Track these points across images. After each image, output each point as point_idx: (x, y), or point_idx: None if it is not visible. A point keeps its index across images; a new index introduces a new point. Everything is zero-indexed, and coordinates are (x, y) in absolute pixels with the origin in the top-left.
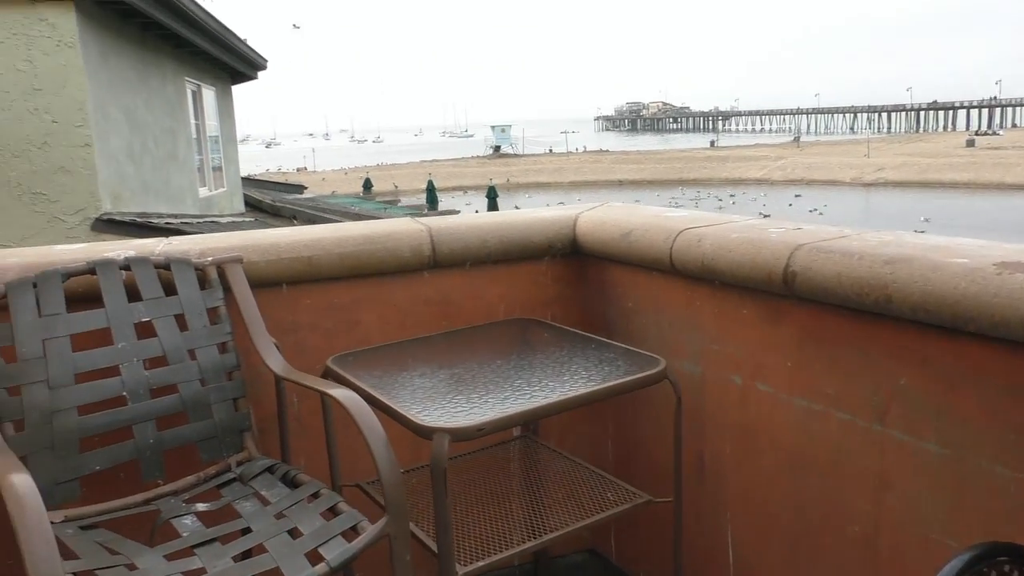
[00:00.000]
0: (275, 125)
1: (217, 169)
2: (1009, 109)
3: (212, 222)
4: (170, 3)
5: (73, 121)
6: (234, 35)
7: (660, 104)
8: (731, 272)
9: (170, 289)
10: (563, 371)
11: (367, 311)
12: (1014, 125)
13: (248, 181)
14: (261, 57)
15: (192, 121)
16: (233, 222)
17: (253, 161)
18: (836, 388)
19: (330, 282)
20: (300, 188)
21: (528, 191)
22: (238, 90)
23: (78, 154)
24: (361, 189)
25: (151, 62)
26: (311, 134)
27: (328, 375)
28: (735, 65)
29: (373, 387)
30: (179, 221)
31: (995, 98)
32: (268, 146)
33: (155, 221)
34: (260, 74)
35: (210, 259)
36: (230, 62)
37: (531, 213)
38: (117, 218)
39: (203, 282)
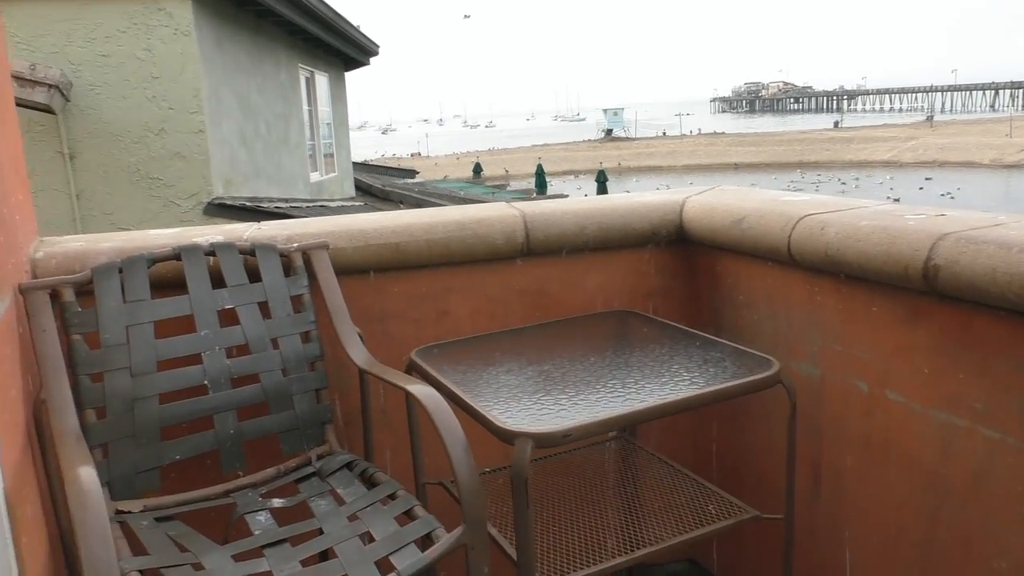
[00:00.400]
0: (391, 111)
1: (329, 154)
2: None
3: (321, 206)
4: None
5: (188, 108)
6: (346, 21)
7: (780, 84)
8: (860, 264)
9: (255, 275)
10: (663, 371)
11: (457, 301)
12: None
13: (362, 166)
14: (373, 43)
15: (305, 107)
16: (343, 206)
17: (370, 146)
18: (984, 401)
19: (419, 270)
20: (412, 173)
21: (639, 175)
22: (353, 76)
23: (192, 140)
24: (471, 174)
25: (265, 49)
26: (425, 120)
27: (412, 368)
28: (862, 41)
29: (456, 383)
30: (288, 205)
31: None
32: (384, 132)
33: (264, 205)
34: (373, 60)
35: (295, 245)
36: (343, 48)
37: (633, 197)
38: (228, 202)
39: (288, 269)
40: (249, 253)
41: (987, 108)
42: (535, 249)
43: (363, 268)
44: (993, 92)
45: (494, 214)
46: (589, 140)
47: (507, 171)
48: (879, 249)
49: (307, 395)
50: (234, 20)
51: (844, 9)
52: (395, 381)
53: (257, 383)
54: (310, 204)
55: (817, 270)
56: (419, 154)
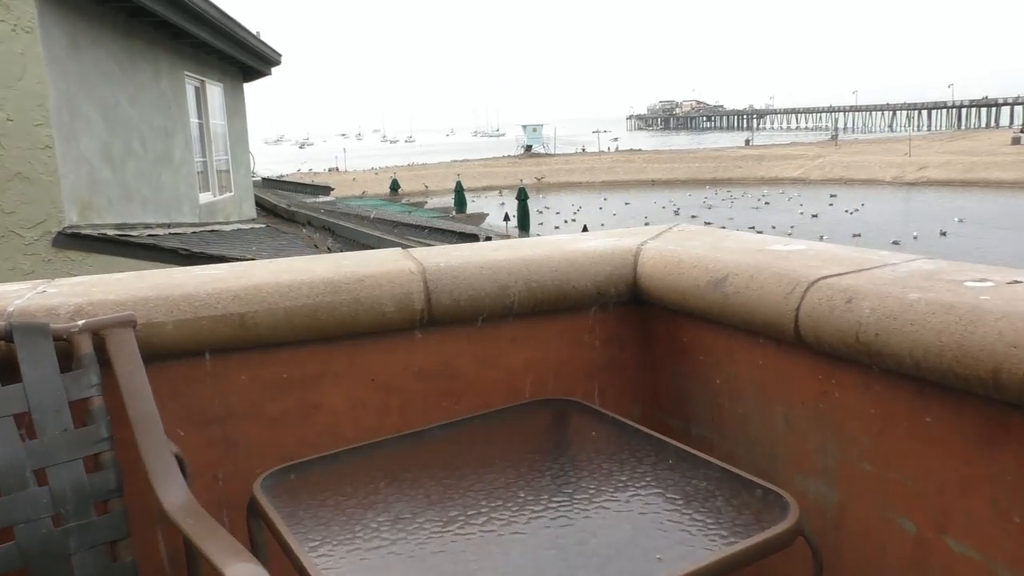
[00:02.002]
0: (308, 125)
1: (223, 172)
2: None
3: (212, 231)
4: None
5: (31, 119)
6: (241, 26)
7: (693, 103)
8: (912, 357)
9: (10, 372)
10: (623, 519)
11: (332, 390)
12: None
13: (274, 182)
14: (274, 52)
15: (193, 120)
16: (239, 230)
17: (287, 161)
18: None
19: (276, 349)
20: (327, 189)
21: (560, 191)
22: (269, 89)
23: (37, 157)
24: (389, 190)
25: (140, 53)
26: (343, 134)
27: (253, 509)
28: (769, 63)
29: (316, 547)
30: (167, 232)
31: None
32: (302, 146)
33: (133, 235)
34: (286, 70)
35: (82, 323)
36: (239, 56)
37: (572, 244)
38: (85, 231)
39: (69, 358)
40: (5, 337)
41: (886, 128)
42: (440, 317)
43: (193, 349)
44: (891, 113)
45: (382, 270)
46: (509, 156)
47: (427, 187)
48: (949, 341)
49: (94, 553)
50: (96, 18)
51: (753, 31)
52: (212, 556)
53: (9, 540)
54: (198, 229)
55: (839, 358)
56: (337, 169)
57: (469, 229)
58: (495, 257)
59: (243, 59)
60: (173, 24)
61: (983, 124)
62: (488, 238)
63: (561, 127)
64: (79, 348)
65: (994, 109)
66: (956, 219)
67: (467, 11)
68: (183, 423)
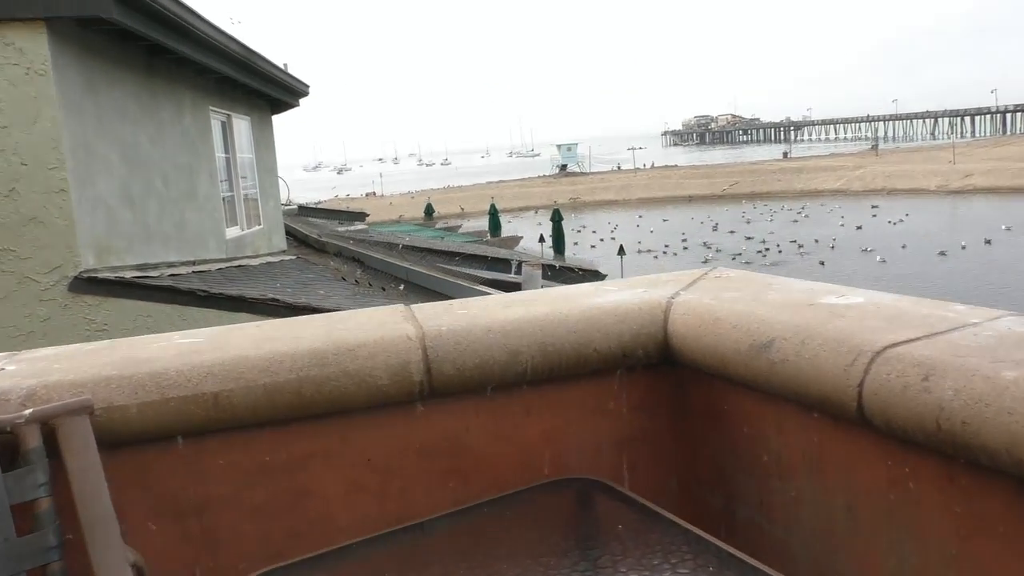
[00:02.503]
0: (346, 151)
1: (252, 205)
2: None
3: (239, 267)
4: (171, 22)
5: (46, 162)
6: (265, 60)
7: (729, 116)
8: (1012, 455)
9: None
10: None
11: (323, 473)
12: None
13: (308, 210)
14: (301, 84)
15: (219, 155)
16: (268, 263)
17: (325, 187)
18: None
19: (257, 430)
20: (362, 216)
21: (596, 209)
22: (307, 117)
23: (52, 201)
24: (432, 212)
25: (162, 90)
26: (380, 159)
27: None
28: (806, 74)
29: None
30: (190, 271)
31: None
32: (339, 172)
33: (152, 276)
34: (324, 98)
35: (28, 413)
36: (264, 90)
37: (592, 297)
38: (102, 275)
39: (14, 454)
40: None
41: (927, 136)
42: (443, 388)
43: (163, 434)
44: (932, 120)
45: (376, 336)
46: (544, 176)
47: (462, 209)
48: None
49: None
50: (114, 57)
51: (789, 42)
52: None
53: None
54: (224, 265)
55: (914, 443)
56: (374, 194)
57: (503, 254)
58: (505, 317)
59: (269, 92)
60: (193, 60)
61: None
62: (520, 263)
63: (596, 144)
64: (26, 442)
65: None
66: (1003, 227)
67: (500, 31)
68: (155, 516)
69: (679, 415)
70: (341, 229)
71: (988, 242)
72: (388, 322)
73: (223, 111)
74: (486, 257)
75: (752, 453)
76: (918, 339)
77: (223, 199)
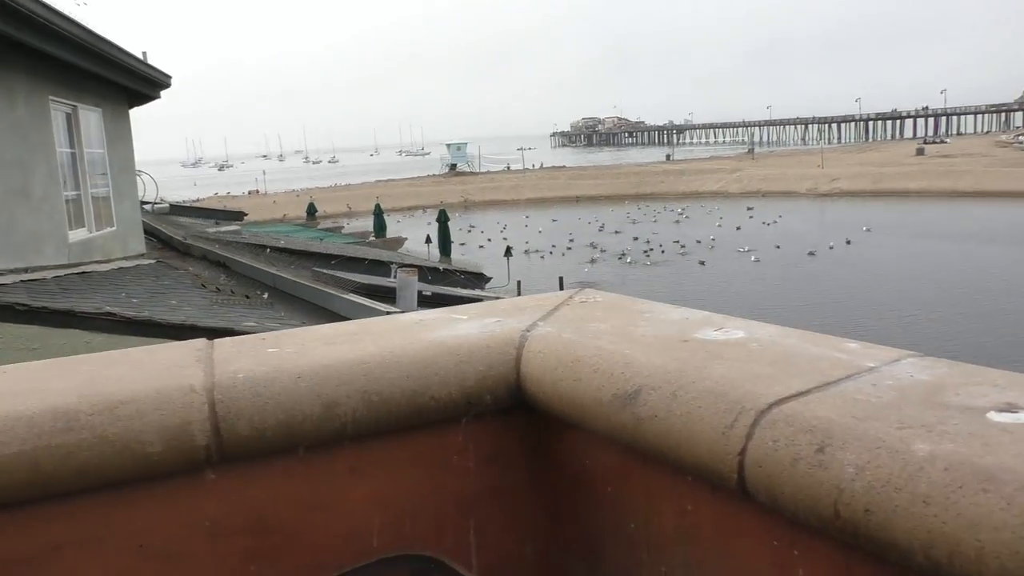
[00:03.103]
0: (227, 147)
1: (103, 205)
2: (954, 117)
3: (82, 274)
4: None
5: None
6: (116, 47)
7: (615, 119)
8: (929, 558)
9: None
10: None
11: (81, 567)
12: (959, 133)
13: (182, 209)
14: (161, 74)
15: (61, 150)
16: (119, 269)
17: (205, 185)
18: None
19: None
20: (240, 215)
21: (486, 209)
22: (185, 110)
23: None
24: (315, 211)
25: None
26: (265, 156)
27: None
28: (687, 79)
29: None
30: (17, 280)
31: (927, 107)
32: (221, 168)
33: None
34: (205, 92)
35: None
36: (118, 79)
37: (433, 332)
38: None
39: None
40: None
41: (799, 141)
42: (239, 452)
43: None
44: (803, 126)
45: (149, 388)
46: (433, 175)
47: (349, 208)
48: (993, 542)
49: None
50: None
51: (671, 48)
52: None
53: None
54: (65, 272)
55: (803, 524)
56: (257, 191)
57: (384, 256)
58: (323, 358)
59: (125, 82)
60: (29, 45)
61: (889, 136)
62: (403, 266)
63: (486, 144)
64: None
65: (899, 121)
66: (864, 228)
67: (390, 26)
68: None
69: (537, 470)
70: (212, 230)
71: (848, 242)
72: (173, 366)
73: (67, 101)
74: (364, 260)
75: (618, 518)
76: (810, 392)
77: (66, 199)
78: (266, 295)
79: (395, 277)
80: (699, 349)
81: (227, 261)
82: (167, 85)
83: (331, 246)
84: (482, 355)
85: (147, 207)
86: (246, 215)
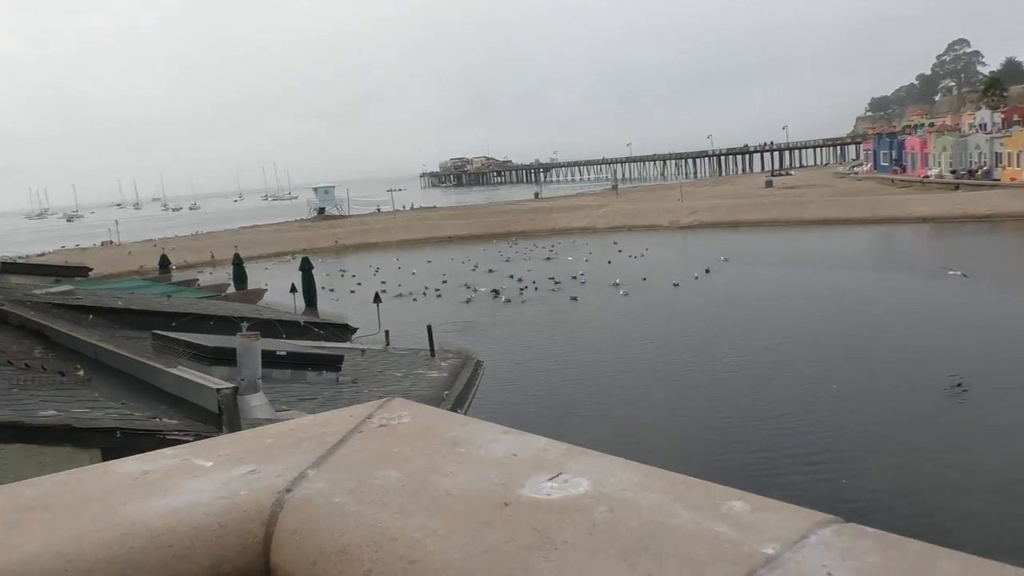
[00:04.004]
0: (76, 196)
1: None
2: (796, 151)
3: None
4: None
5: None
6: None
7: (483, 159)
8: None
9: None
10: None
11: None
12: (801, 165)
13: (12, 267)
14: None
15: None
16: None
17: (51, 238)
18: None
19: None
20: (84, 270)
21: (358, 252)
22: (28, 160)
23: None
24: (167, 264)
25: None
26: (119, 204)
27: None
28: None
29: None
30: None
31: (771, 142)
32: (70, 219)
33: None
34: (30, 142)
35: None
36: None
37: (144, 499)
38: None
39: None
40: None
41: (658, 176)
42: None
43: None
44: (662, 162)
45: None
46: (301, 220)
47: (213, 256)
48: None
49: None
50: None
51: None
52: None
53: None
54: None
55: None
56: (111, 242)
57: (241, 311)
58: None
59: None
60: None
61: (740, 170)
62: (250, 325)
63: (355, 187)
64: None
65: (747, 156)
66: (722, 258)
67: (247, 66)
68: None
69: None
70: (40, 291)
71: (708, 271)
72: None
73: None
74: (211, 319)
75: None
76: None
77: None
78: (81, 371)
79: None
80: (523, 526)
81: (45, 330)
82: None
83: (179, 302)
84: (209, 543)
85: None
86: (91, 270)
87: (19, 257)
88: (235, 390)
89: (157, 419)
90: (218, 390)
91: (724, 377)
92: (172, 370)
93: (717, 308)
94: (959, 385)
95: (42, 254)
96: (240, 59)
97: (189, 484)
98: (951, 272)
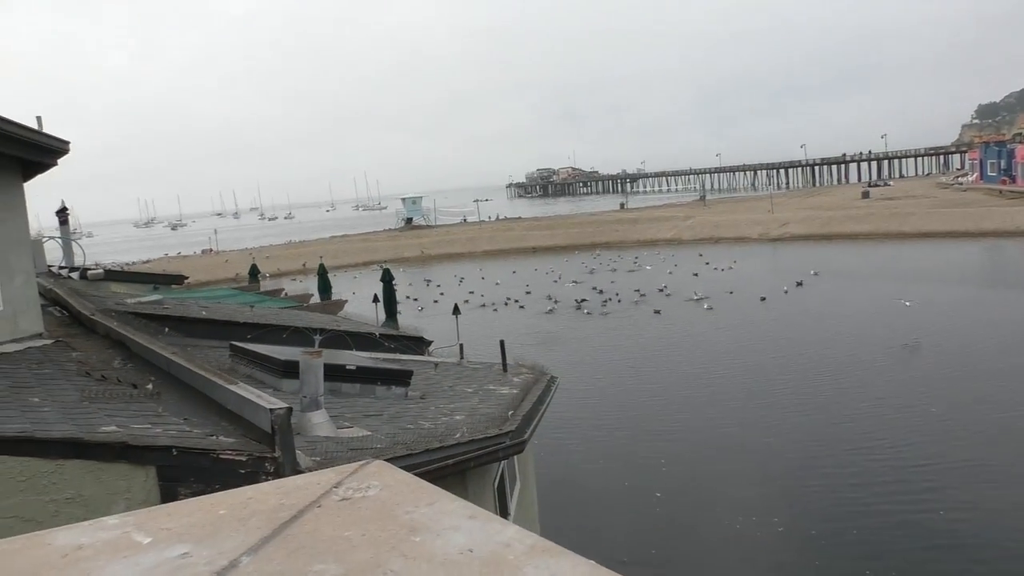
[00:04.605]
0: (181, 206)
1: None
2: (896, 161)
3: None
4: None
5: None
6: None
7: (570, 169)
8: None
9: None
10: None
11: None
12: (901, 175)
13: (116, 274)
14: (56, 141)
15: None
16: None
17: (158, 246)
18: None
19: None
20: (180, 279)
21: (443, 262)
22: (138, 171)
23: None
24: (257, 273)
25: None
26: (219, 213)
27: None
28: (638, 129)
29: None
30: None
31: (870, 151)
32: (174, 228)
33: None
34: (159, 151)
35: None
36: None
37: None
38: None
39: None
40: None
41: (749, 187)
42: None
43: None
44: (752, 172)
45: None
46: (389, 229)
47: (305, 265)
48: None
49: None
50: None
51: (622, 98)
52: None
53: None
54: None
55: None
56: (211, 251)
57: (317, 322)
58: None
59: (11, 151)
60: None
61: (835, 180)
62: (321, 333)
63: (442, 197)
64: None
65: (843, 166)
66: (812, 272)
67: (342, 81)
68: None
69: None
70: (131, 300)
71: (800, 284)
72: None
73: None
74: (286, 330)
75: None
76: None
77: None
78: (149, 385)
79: (316, 346)
80: None
81: (127, 340)
82: (64, 152)
83: (262, 312)
84: None
85: (72, 274)
86: (187, 278)
87: (126, 264)
88: (289, 411)
89: (215, 437)
90: (271, 410)
91: (812, 399)
92: (232, 387)
93: (807, 325)
94: None
95: (147, 261)
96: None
97: (115, 568)
98: None
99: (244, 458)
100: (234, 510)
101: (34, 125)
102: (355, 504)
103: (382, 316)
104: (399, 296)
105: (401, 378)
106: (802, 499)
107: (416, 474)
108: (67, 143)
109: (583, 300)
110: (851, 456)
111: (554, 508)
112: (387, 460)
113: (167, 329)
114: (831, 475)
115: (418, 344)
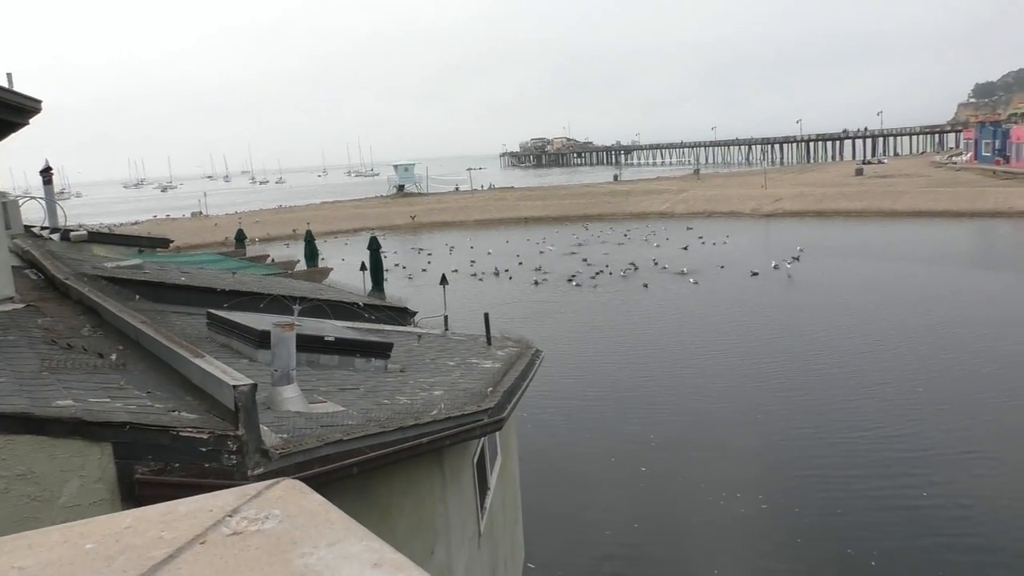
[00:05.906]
0: (171, 167)
1: None
2: (891, 139)
3: None
4: None
5: None
6: None
7: (564, 139)
8: None
9: None
10: None
11: None
12: (896, 153)
13: (99, 236)
14: (23, 99)
15: None
16: None
17: (146, 208)
18: None
19: None
20: (165, 242)
21: (433, 230)
22: (132, 128)
23: None
24: (243, 238)
25: None
26: (210, 176)
27: None
28: (635, 101)
29: None
30: None
31: (865, 128)
32: (164, 190)
33: None
34: (149, 110)
35: None
36: None
37: None
38: None
39: None
40: None
41: (743, 161)
42: None
43: None
44: (747, 147)
45: None
46: (380, 196)
47: (295, 230)
48: None
49: None
50: None
51: (619, 69)
52: None
53: None
54: None
55: None
56: (200, 213)
57: (299, 290)
58: None
59: None
60: None
61: (829, 157)
62: (310, 302)
63: (435, 165)
64: None
65: (838, 142)
66: (798, 248)
67: (338, 45)
68: None
69: None
70: (110, 264)
71: (792, 261)
72: None
73: None
74: (264, 298)
75: None
76: None
77: None
78: (115, 356)
79: (295, 316)
80: None
81: (98, 307)
82: (35, 111)
83: (244, 279)
84: None
85: (53, 235)
86: (172, 242)
87: (114, 226)
88: (254, 387)
89: (176, 413)
90: (235, 387)
91: (797, 380)
92: (196, 360)
93: (797, 300)
94: None
95: (136, 223)
96: (329, 39)
97: None
98: None
99: (206, 436)
100: (105, 544)
101: (4, 84)
102: (245, 540)
103: (369, 285)
104: (388, 264)
105: (381, 350)
106: (787, 477)
107: (390, 452)
108: (39, 101)
109: (574, 275)
110: (838, 433)
111: (537, 483)
112: (302, 478)
113: (137, 296)
114: (816, 452)
115: (402, 315)
